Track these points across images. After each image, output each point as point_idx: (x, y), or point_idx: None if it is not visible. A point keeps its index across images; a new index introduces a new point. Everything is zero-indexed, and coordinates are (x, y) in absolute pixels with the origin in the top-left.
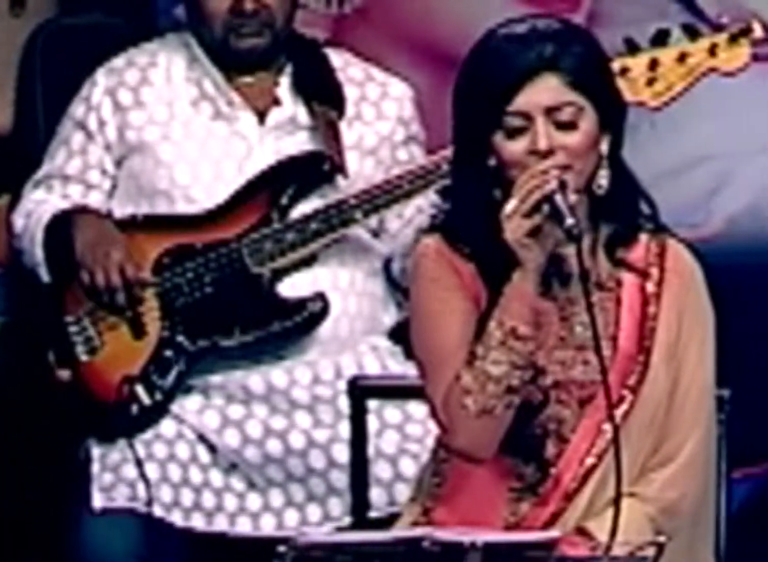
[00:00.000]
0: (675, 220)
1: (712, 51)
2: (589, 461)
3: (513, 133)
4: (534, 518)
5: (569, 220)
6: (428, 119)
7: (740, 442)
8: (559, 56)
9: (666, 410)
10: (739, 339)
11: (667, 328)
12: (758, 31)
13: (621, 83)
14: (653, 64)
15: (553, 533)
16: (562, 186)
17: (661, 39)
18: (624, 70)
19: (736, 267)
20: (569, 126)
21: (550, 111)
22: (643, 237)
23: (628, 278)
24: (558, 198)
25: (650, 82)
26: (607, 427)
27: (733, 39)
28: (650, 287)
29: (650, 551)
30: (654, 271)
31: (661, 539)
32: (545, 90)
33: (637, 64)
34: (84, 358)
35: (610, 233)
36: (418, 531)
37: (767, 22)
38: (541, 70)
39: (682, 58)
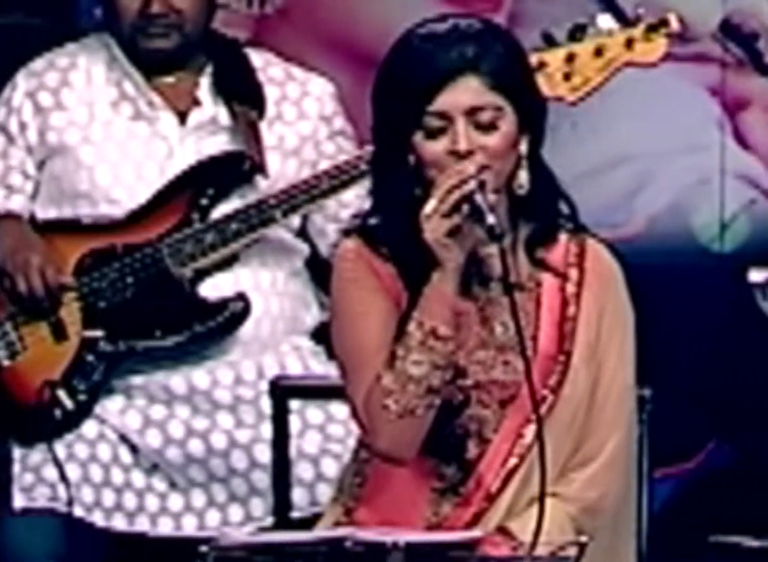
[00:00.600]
0: (596, 220)
1: (629, 44)
2: (511, 461)
3: (433, 134)
4: (456, 518)
5: (490, 219)
6: (350, 119)
7: (662, 442)
8: (481, 57)
9: (587, 410)
10: (660, 339)
11: (587, 328)
12: (674, 24)
13: (538, 78)
14: (570, 59)
15: (475, 533)
16: (482, 186)
17: (577, 34)
18: (541, 65)
19: (656, 267)
20: (489, 127)
21: (470, 112)
22: (563, 237)
23: (548, 279)
24: (478, 197)
25: (567, 76)
26: (529, 428)
27: (649, 32)
28: (570, 288)
29: (572, 551)
30: (574, 272)
31: (583, 538)
32: (466, 91)
33: (554, 59)
34: (5, 362)
35: (529, 233)
36: (340, 531)
37: (689, 24)
38: (463, 71)
39: (598, 51)
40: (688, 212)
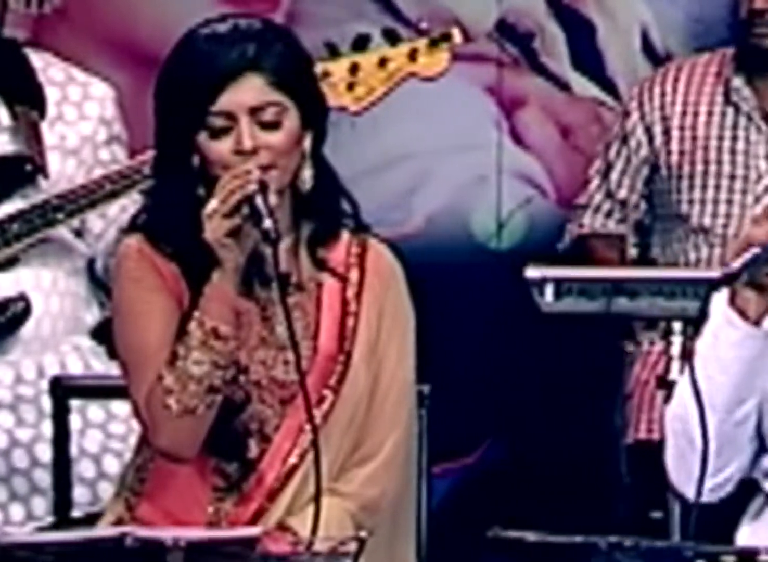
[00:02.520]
0: (376, 218)
1: (412, 56)
2: (292, 460)
3: (218, 133)
4: (237, 515)
5: (266, 223)
6: (130, 119)
7: (441, 438)
8: (262, 56)
9: (366, 409)
10: (439, 336)
11: (368, 327)
12: (457, 38)
13: (322, 87)
14: (354, 69)
15: (255, 529)
16: (263, 187)
17: (361, 44)
18: (325, 75)
19: (435, 265)
20: (273, 125)
21: (254, 110)
22: (345, 237)
23: (329, 279)
24: (258, 200)
25: (351, 86)
26: (308, 426)
27: (433, 44)
28: (351, 288)
29: (351, 546)
30: (354, 272)
31: (363, 534)
32: (249, 90)
33: (338, 69)
34: None
35: (311, 233)
36: (121, 529)
37: (465, 24)
38: (245, 70)
39: (382, 62)
40: (465, 210)
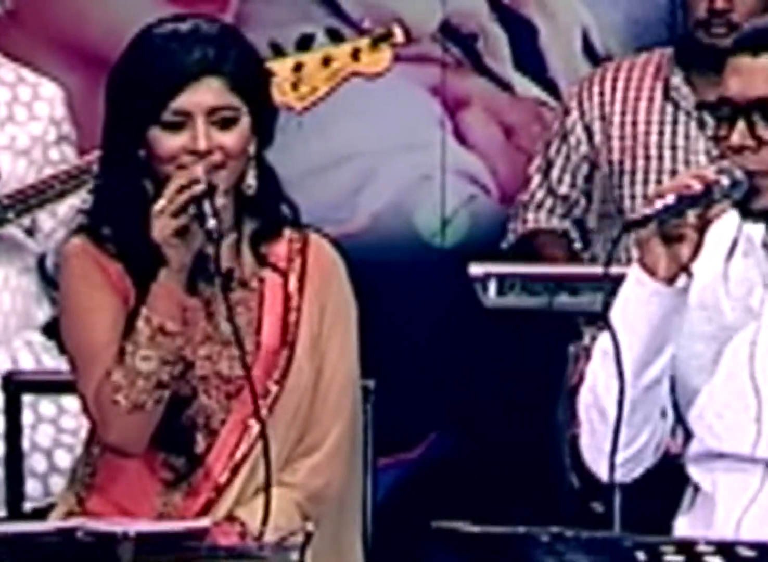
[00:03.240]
0: (321, 216)
1: (355, 55)
2: (238, 453)
3: (173, 130)
4: (186, 508)
5: (210, 223)
6: (79, 119)
7: (386, 432)
8: (222, 60)
9: (310, 401)
10: (384, 332)
11: (310, 321)
12: (399, 37)
13: None
14: (298, 68)
15: (204, 522)
16: (212, 189)
17: (305, 43)
18: (269, 74)
19: (380, 262)
20: (228, 126)
21: (211, 111)
22: (287, 232)
23: (271, 275)
24: (205, 201)
25: (295, 85)
26: (254, 421)
27: (375, 44)
28: (293, 283)
29: (299, 538)
30: (296, 267)
31: (309, 526)
32: (208, 91)
33: (283, 68)
34: None
35: (254, 230)
36: (72, 522)
37: (409, 25)
38: (205, 72)
39: (326, 61)
40: (410, 209)
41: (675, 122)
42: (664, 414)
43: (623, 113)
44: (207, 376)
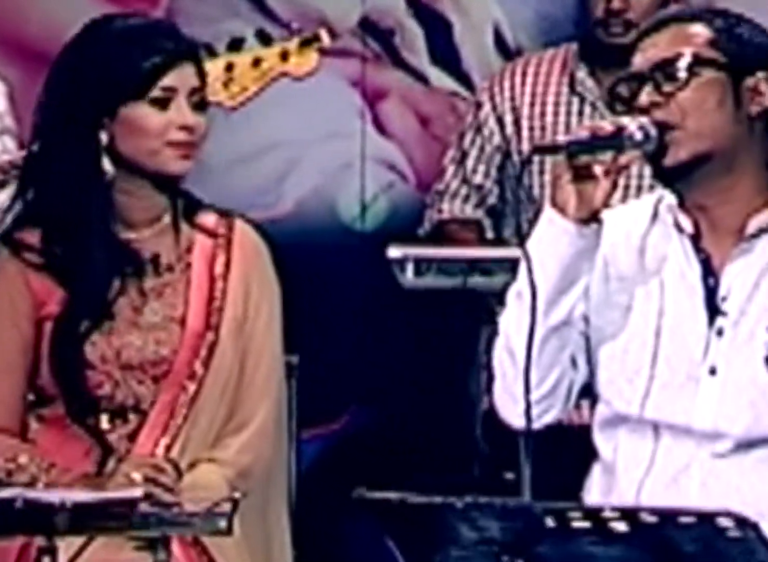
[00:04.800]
0: (248, 202)
1: (284, 56)
2: (169, 432)
3: (160, 106)
4: None
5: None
6: (19, 113)
7: (309, 405)
8: (195, 48)
9: (237, 381)
10: (308, 311)
11: (234, 304)
12: (326, 39)
13: None
14: (229, 68)
15: (137, 492)
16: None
17: (236, 45)
18: None
19: (304, 245)
20: (202, 109)
21: (192, 92)
22: (213, 218)
23: (197, 259)
24: None
25: (226, 84)
26: (182, 399)
27: (303, 45)
28: (218, 266)
29: (226, 507)
30: (222, 251)
31: (236, 494)
32: (190, 74)
33: (215, 68)
34: None
35: (183, 207)
36: (10, 492)
37: (331, 22)
38: (187, 57)
39: (256, 62)
40: (332, 195)
41: (581, 114)
42: (574, 363)
43: (532, 105)
44: (135, 363)
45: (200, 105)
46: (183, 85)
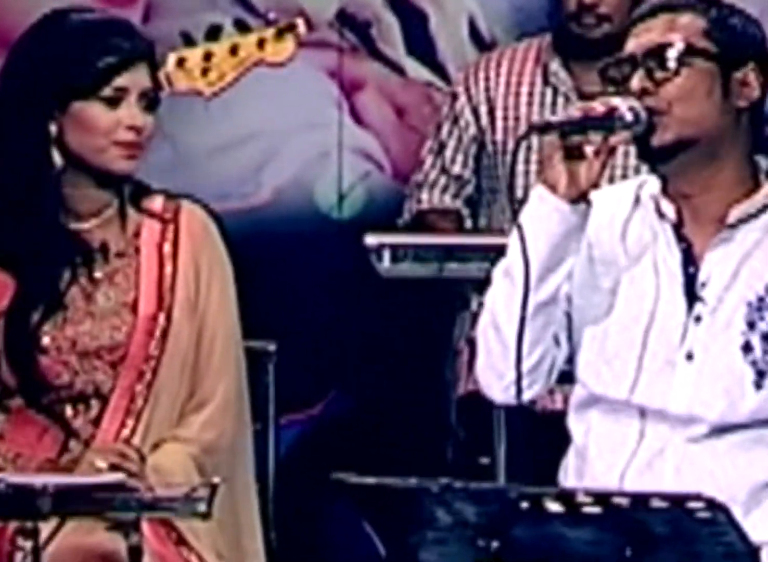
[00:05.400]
0: (228, 191)
1: (261, 44)
2: (131, 415)
3: (111, 105)
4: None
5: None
6: None
7: (288, 391)
8: (149, 50)
9: (195, 360)
10: (286, 298)
11: (186, 285)
12: (302, 28)
13: (178, 73)
14: (207, 56)
15: (118, 476)
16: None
17: (214, 33)
18: (181, 61)
19: (282, 233)
20: (152, 109)
21: (143, 94)
22: (159, 201)
23: (146, 244)
24: None
25: (204, 72)
26: (141, 383)
27: (280, 34)
28: (167, 249)
29: (204, 492)
30: (169, 234)
31: (216, 480)
32: (143, 75)
33: (193, 56)
34: None
35: (130, 193)
36: None
37: (308, 13)
38: (141, 58)
39: (233, 50)
40: (309, 184)
41: (554, 104)
42: (557, 341)
43: (506, 96)
44: (91, 351)
45: (150, 105)
46: (135, 86)
